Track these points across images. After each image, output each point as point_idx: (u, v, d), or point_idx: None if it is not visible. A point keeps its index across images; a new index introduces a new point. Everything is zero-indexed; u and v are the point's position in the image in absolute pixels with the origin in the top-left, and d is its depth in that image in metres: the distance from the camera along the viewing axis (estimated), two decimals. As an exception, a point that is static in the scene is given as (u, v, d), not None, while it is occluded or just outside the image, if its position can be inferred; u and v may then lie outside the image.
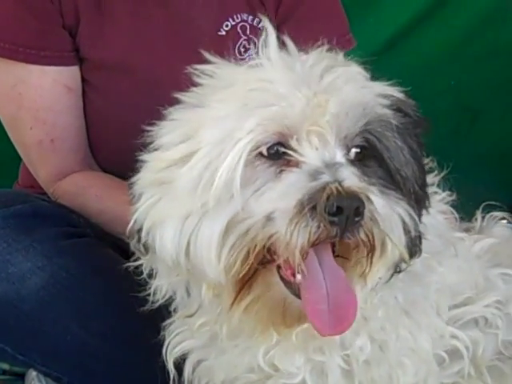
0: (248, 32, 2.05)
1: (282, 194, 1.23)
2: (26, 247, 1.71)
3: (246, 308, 1.29)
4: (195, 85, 1.38)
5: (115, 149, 1.99)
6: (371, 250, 1.23)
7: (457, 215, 1.59)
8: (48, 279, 1.70)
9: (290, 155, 1.25)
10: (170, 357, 1.50)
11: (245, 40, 2.05)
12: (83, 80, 2.03)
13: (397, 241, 1.25)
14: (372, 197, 1.21)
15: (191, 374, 1.51)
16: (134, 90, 2.00)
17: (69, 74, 2.00)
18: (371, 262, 1.25)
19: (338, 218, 1.18)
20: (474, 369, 1.50)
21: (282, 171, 1.25)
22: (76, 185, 1.98)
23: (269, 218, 1.22)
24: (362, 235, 1.21)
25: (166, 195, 1.29)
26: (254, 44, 2.01)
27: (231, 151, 1.23)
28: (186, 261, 1.28)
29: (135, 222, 1.33)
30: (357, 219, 1.19)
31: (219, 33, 2.05)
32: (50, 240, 1.73)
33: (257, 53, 1.35)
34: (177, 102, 1.43)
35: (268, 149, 1.26)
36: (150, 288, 1.47)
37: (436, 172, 1.52)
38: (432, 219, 1.40)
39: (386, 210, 1.24)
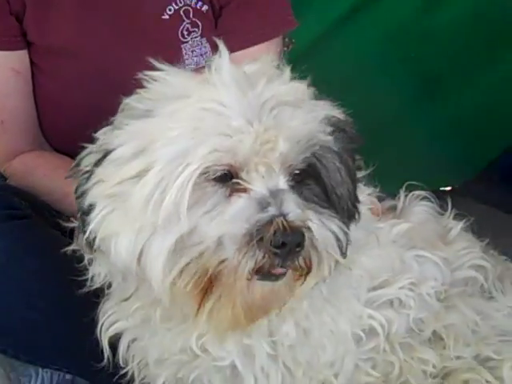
0: (191, 15, 2.09)
1: (231, 219, 1.32)
2: None
3: (209, 311, 1.38)
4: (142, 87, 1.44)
5: (64, 129, 2.06)
6: (307, 272, 1.35)
7: (379, 205, 1.69)
8: None
9: (238, 183, 1.34)
10: (104, 336, 1.59)
11: (188, 23, 2.09)
12: (32, 64, 2.07)
13: (330, 258, 1.36)
14: (311, 224, 1.32)
15: (125, 352, 1.61)
16: (80, 74, 2.05)
17: (16, 58, 2.05)
18: (304, 280, 1.37)
19: (281, 250, 1.29)
20: (389, 345, 1.61)
21: (230, 195, 1.33)
22: (25, 165, 2.05)
23: (219, 243, 1.31)
24: (301, 262, 1.32)
25: (119, 208, 1.36)
26: (197, 27, 2.06)
27: (181, 174, 1.30)
28: (138, 269, 1.37)
29: (90, 231, 1.39)
30: (298, 250, 1.31)
31: (163, 17, 2.08)
32: None
33: (210, 67, 1.41)
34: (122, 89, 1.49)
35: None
36: (88, 273, 1.55)
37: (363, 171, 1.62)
38: None
39: (321, 230, 1.35)
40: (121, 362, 1.62)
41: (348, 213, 1.43)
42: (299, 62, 2.95)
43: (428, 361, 1.63)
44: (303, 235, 1.30)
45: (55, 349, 1.86)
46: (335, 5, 2.93)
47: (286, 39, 2.26)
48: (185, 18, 2.09)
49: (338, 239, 1.38)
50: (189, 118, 1.33)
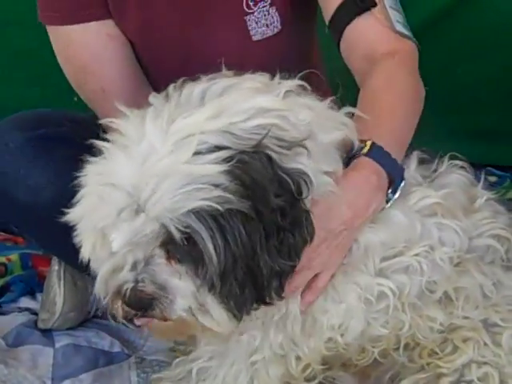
0: None
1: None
2: (43, 165, 2.03)
3: None
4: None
5: None
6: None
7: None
8: (57, 193, 1.96)
9: None
10: None
11: None
12: None
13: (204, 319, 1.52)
14: (168, 287, 1.50)
15: None
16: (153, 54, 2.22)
17: (110, 24, 2.17)
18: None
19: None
20: (400, 305, 1.73)
21: None
22: None
23: None
24: (158, 315, 1.52)
25: None
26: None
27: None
28: None
29: None
30: (145, 313, 1.51)
31: None
32: (63, 160, 1.97)
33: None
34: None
35: None
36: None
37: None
38: None
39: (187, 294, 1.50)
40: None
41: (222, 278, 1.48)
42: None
43: (436, 319, 1.76)
44: (146, 303, 1.49)
45: None
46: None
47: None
48: None
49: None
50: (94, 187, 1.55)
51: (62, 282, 2.27)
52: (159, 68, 2.22)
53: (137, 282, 1.49)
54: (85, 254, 1.58)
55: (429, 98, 3.18)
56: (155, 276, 1.49)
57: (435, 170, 1.87)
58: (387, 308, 1.73)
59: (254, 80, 1.63)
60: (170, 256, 1.48)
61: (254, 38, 2.15)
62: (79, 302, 2.32)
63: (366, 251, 1.69)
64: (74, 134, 2.07)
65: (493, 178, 3.35)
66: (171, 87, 1.65)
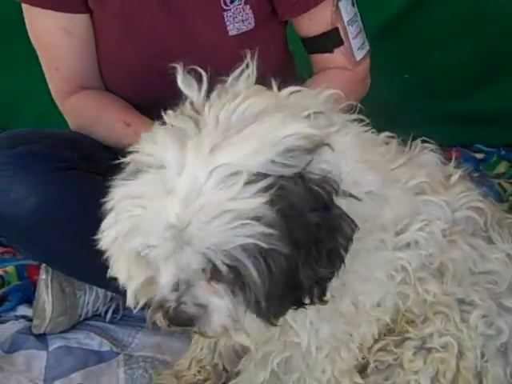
0: None
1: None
2: (21, 179, 2.13)
3: None
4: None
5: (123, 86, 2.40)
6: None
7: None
8: (36, 205, 2.13)
9: None
10: None
11: None
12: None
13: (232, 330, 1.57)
14: (208, 309, 1.54)
15: None
16: (130, 40, 2.34)
17: (69, 20, 2.31)
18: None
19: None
20: (408, 279, 1.81)
21: None
22: (74, 107, 2.39)
23: None
24: (196, 330, 1.58)
25: None
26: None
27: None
28: None
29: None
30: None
31: None
32: (39, 174, 2.14)
33: None
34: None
35: None
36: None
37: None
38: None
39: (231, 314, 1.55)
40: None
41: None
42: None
43: (431, 291, 1.84)
44: (187, 322, 1.55)
45: (92, 271, 2.12)
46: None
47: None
48: None
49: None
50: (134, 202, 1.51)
51: (49, 289, 2.38)
52: (129, 61, 2.34)
53: (179, 303, 1.53)
54: (120, 275, 1.61)
55: (410, 84, 3.27)
56: (197, 298, 1.53)
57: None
58: (402, 281, 1.80)
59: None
60: (211, 277, 1.52)
61: (231, 33, 2.29)
62: (68, 307, 2.42)
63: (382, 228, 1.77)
64: (49, 149, 2.21)
65: (480, 155, 3.48)
66: (196, 102, 1.63)
